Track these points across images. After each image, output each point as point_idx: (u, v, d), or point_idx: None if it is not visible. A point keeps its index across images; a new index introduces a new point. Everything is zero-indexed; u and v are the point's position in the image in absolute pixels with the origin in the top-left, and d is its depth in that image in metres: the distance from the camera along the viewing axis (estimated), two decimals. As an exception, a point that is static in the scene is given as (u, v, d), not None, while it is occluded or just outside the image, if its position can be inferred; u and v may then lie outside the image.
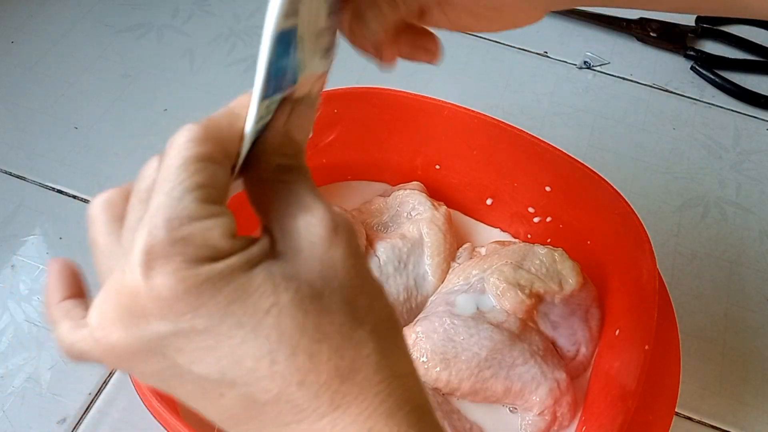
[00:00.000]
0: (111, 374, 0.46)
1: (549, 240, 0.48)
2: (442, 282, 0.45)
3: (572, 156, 0.43)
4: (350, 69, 0.43)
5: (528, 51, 0.67)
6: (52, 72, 0.62)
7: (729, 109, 0.63)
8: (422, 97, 0.46)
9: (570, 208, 0.46)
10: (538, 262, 0.42)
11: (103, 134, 0.58)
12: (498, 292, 0.41)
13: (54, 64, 0.62)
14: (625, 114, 0.63)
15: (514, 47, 0.67)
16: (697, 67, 0.65)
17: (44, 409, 0.44)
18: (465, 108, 0.45)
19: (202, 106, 0.61)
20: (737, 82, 0.64)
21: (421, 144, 0.49)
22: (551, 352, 0.41)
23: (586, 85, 0.64)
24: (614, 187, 0.42)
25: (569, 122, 0.61)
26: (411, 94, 0.46)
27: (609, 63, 0.66)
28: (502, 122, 0.45)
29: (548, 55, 0.67)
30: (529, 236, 0.50)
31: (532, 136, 0.44)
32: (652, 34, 0.67)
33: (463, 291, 0.42)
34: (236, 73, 0.63)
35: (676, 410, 0.46)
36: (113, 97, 0.60)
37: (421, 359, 0.39)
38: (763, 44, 0.67)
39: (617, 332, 0.41)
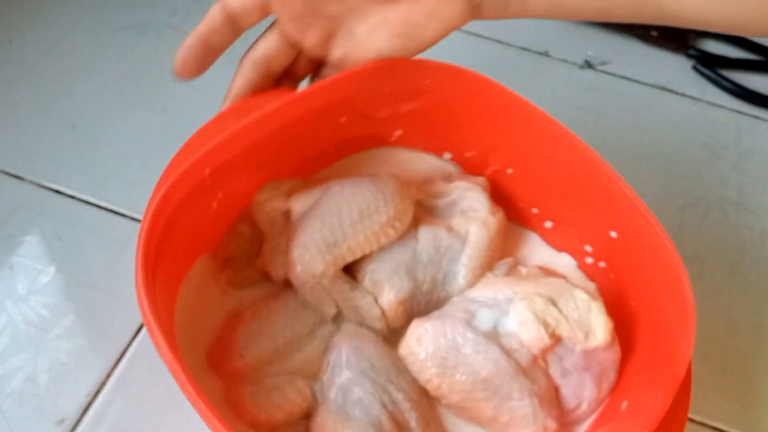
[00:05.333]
0: (109, 375, 0.45)
1: (595, 284, 0.46)
2: (471, 287, 0.43)
3: (653, 217, 0.39)
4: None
5: (529, 50, 0.66)
6: (50, 71, 0.61)
7: (731, 109, 0.63)
8: (520, 98, 0.42)
9: (628, 264, 0.43)
10: (573, 305, 0.40)
11: (102, 133, 0.58)
12: (521, 320, 0.39)
13: (52, 64, 0.62)
14: (626, 113, 0.62)
15: (514, 46, 0.67)
16: (698, 67, 0.65)
17: (42, 410, 0.44)
18: (559, 124, 0.42)
19: (201, 106, 0.60)
20: (739, 82, 0.63)
21: (501, 142, 0.46)
22: (551, 398, 0.39)
23: (587, 85, 0.64)
24: (681, 268, 0.38)
25: (570, 122, 0.61)
26: (509, 91, 0.42)
27: (610, 62, 0.66)
28: (592, 152, 0.41)
29: (549, 54, 0.66)
30: (575, 272, 0.47)
31: (619, 178, 0.40)
32: (653, 33, 0.67)
33: (488, 305, 0.40)
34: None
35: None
36: (112, 97, 0.60)
37: (421, 355, 0.39)
38: (765, 44, 0.67)
39: (624, 405, 0.39)
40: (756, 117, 0.63)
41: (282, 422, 0.38)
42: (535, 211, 0.47)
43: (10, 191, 0.54)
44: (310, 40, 0.40)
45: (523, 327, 0.38)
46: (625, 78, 0.65)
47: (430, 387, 0.39)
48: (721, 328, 0.50)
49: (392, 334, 0.41)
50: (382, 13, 0.39)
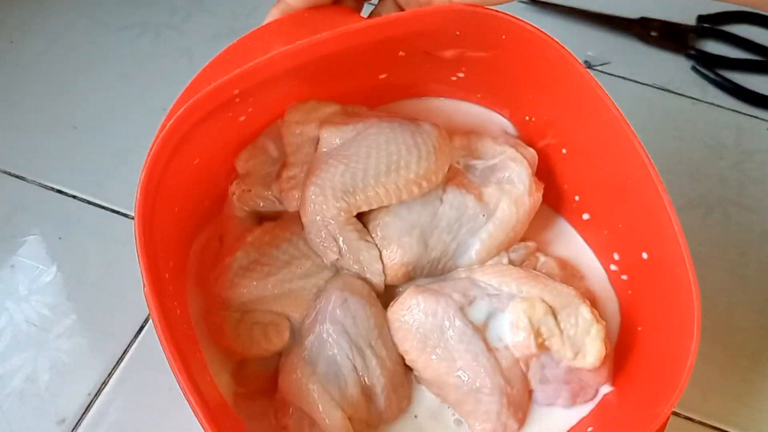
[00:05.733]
0: (110, 375, 0.45)
1: (617, 300, 0.43)
2: (480, 264, 0.41)
3: (689, 258, 0.36)
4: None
5: (529, 50, 0.66)
6: (51, 71, 0.61)
7: (731, 109, 0.63)
8: (596, 84, 0.38)
9: (649, 289, 0.40)
10: (573, 321, 0.38)
11: (102, 133, 0.58)
12: (514, 322, 0.38)
13: (52, 64, 0.62)
14: (626, 114, 0.62)
15: (514, 46, 0.67)
16: (698, 67, 0.65)
17: (43, 410, 0.44)
18: (629, 127, 0.39)
19: (201, 106, 0.60)
20: (739, 82, 0.63)
21: (564, 118, 0.41)
22: (521, 401, 0.39)
23: (587, 85, 0.64)
24: (698, 322, 0.35)
25: (570, 122, 0.61)
26: (586, 73, 0.38)
27: (610, 63, 0.66)
28: (654, 171, 0.38)
29: (549, 54, 0.66)
30: (597, 275, 0.44)
31: (671, 206, 0.38)
32: (653, 33, 0.67)
33: (488, 295, 0.39)
34: (236, 72, 0.63)
35: (677, 411, 0.46)
36: (112, 97, 0.60)
37: (405, 325, 0.38)
38: (765, 44, 0.67)
39: (590, 430, 0.39)
40: (756, 117, 0.63)
41: (255, 356, 0.38)
42: (576, 198, 0.44)
43: (12, 191, 0.54)
44: None
45: (514, 330, 0.38)
46: (625, 78, 0.65)
47: (406, 357, 0.39)
48: (721, 327, 0.50)
49: (386, 288, 0.40)
50: None
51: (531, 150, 0.43)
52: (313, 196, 0.38)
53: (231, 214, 0.41)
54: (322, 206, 0.37)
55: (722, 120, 0.62)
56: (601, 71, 0.65)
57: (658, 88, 0.64)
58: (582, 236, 0.45)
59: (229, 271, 0.38)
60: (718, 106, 0.63)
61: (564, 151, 0.43)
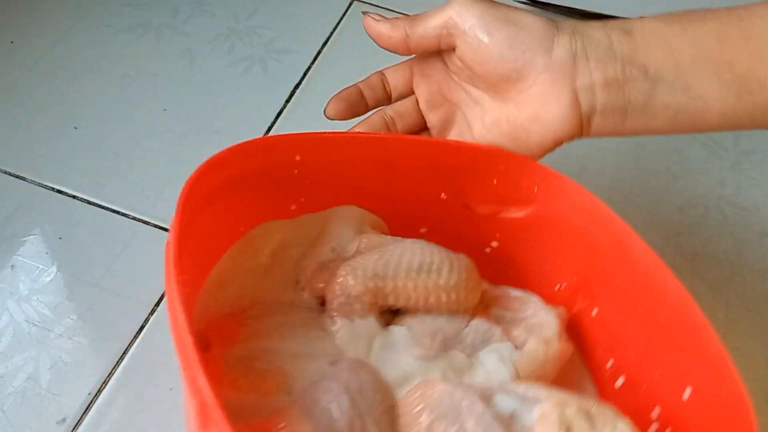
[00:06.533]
0: (111, 374, 0.46)
1: None
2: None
3: (737, 374, 0.34)
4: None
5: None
6: (52, 72, 0.62)
7: (729, 110, 0.63)
8: (619, 219, 0.36)
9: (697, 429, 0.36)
10: (609, 429, 0.34)
11: (103, 134, 0.58)
12: (542, 416, 0.33)
13: (53, 64, 0.62)
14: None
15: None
16: (697, 68, 0.65)
17: (44, 409, 0.44)
18: (655, 256, 0.36)
19: (201, 106, 0.61)
20: (737, 83, 0.64)
21: (593, 273, 0.40)
22: None
23: (586, 86, 0.64)
24: None
25: (569, 122, 0.61)
26: (608, 209, 0.36)
27: (609, 63, 0.66)
28: (684, 292, 0.35)
29: (548, 55, 0.66)
30: None
31: (709, 325, 0.35)
32: (652, 34, 0.67)
33: (514, 393, 0.35)
34: (236, 72, 0.63)
35: (677, 411, 0.46)
36: (113, 97, 0.60)
37: (415, 410, 0.34)
38: (763, 44, 0.67)
39: None
40: (754, 118, 0.63)
41: (242, 395, 0.35)
42: (609, 364, 0.41)
43: (12, 191, 0.54)
44: (433, 118, 0.43)
45: (541, 422, 0.33)
46: (624, 79, 0.65)
47: None
48: (720, 327, 0.50)
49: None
50: (499, 111, 0.39)
51: (560, 307, 0.42)
52: (344, 273, 0.38)
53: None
54: (350, 282, 0.37)
55: (721, 120, 0.62)
56: (600, 72, 0.65)
57: (657, 88, 0.64)
58: (617, 404, 0.39)
59: (241, 332, 0.37)
60: (716, 106, 0.63)
61: (594, 312, 0.42)
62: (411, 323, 0.39)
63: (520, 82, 0.37)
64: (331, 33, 0.67)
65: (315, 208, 0.42)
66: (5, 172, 0.55)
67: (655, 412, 0.39)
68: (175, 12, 0.67)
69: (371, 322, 0.38)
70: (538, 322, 0.40)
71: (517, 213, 0.42)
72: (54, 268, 0.50)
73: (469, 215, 0.43)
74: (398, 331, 0.38)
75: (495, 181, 0.41)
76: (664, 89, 0.36)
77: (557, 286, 0.44)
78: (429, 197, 0.42)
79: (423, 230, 0.44)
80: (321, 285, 0.39)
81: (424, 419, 0.34)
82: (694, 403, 0.36)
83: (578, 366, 0.43)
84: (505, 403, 0.34)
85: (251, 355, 0.36)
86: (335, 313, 0.38)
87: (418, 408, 0.34)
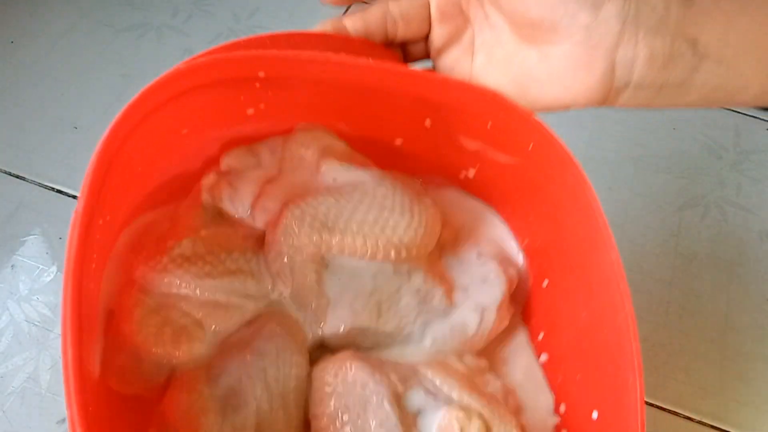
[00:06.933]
0: (111, 374, 0.46)
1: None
2: (428, 358, 0.37)
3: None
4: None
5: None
6: (52, 72, 0.62)
7: (729, 110, 0.63)
8: (604, 221, 0.34)
9: None
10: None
11: (103, 134, 0.58)
12: (444, 427, 0.34)
13: (53, 64, 0.62)
14: (624, 114, 0.63)
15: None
16: (697, 67, 0.65)
17: (44, 409, 0.44)
18: (621, 267, 0.34)
19: (201, 106, 0.61)
20: (737, 83, 0.64)
21: (556, 248, 0.39)
22: None
23: (586, 85, 0.64)
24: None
25: (569, 122, 0.61)
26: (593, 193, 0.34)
27: (609, 63, 0.66)
28: (632, 321, 0.33)
29: (548, 55, 0.67)
30: (541, 421, 0.39)
31: (638, 355, 0.32)
32: (652, 34, 0.67)
33: (425, 389, 0.35)
34: (236, 73, 0.63)
35: (677, 411, 0.46)
36: (113, 97, 0.60)
37: (327, 388, 0.34)
38: (763, 44, 0.67)
39: None
40: (754, 117, 0.63)
41: (152, 356, 0.33)
42: (540, 336, 0.41)
43: (12, 191, 0.54)
44: (439, 32, 0.36)
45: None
46: (624, 79, 0.65)
47: (314, 422, 0.34)
48: (720, 327, 0.50)
49: (321, 348, 0.37)
50: (516, 51, 0.34)
51: (513, 272, 0.40)
52: (289, 215, 0.34)
53: (194, 203, 0.37)
54: (294, 229, 0.34)
55: (721, 120, 0.62)
56: (600, 72, 0.65)
57: (657, 88, 0.64)
58: (540, 369, 0.41)
59: (167, 254, 0.34)
60: (716, 106, 0.63)
61: (545, 283, 0.41)
62: (348, 278, 0.35)
63: (551, 34, 0.31)
64: (331, 33, 0.67)
65: (275, 117, 0.37)
66: (5, 172, 0.55)
67: (562, 408, 0.38)
68: (175, 12, 0.67)
69: (309, 274, 0.35)
70: (483, 290, 0.38)
71: (503, 158, 0.38)
72: (54, 268, 0.50)
73: (452, 141, 0.39)
74: (332, 286, 0.36)
75: (489, 125, 0.36)
76: (709, 66, 0.32)
77: (523, 242, 0.42)
78: (411, 121, 0.38)
79: (399, 141, 0.40)
80: (264, 215, 0.36)
81: (332, 404, 0.33)
82: (597, 428, 0.35)
83: (520, 330, 0.42)
84: (415, 399, 0.34)
85: (169, 305, 0.34)
86: (272, 261, 0.35)
87: (328, 390, 0.34)
